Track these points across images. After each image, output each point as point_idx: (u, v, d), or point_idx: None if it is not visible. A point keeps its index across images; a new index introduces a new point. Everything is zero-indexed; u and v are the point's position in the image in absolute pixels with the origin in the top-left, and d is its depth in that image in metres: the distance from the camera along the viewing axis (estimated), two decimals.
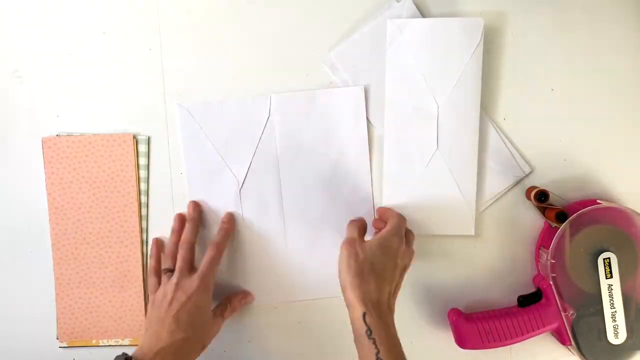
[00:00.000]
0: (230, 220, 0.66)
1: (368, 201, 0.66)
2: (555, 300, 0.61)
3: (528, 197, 0.65)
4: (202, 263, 0.62)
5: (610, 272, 0.60)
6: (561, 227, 0.60)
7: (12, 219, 0.67)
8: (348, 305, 0.55)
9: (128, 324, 0.67)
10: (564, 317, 0.61)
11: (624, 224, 0.60)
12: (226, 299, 0.65)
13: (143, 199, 0.67)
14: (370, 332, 0.52)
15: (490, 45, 0.65)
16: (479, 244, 0.67)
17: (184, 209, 0.66)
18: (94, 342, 0.68)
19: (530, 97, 0.65)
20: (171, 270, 0.62)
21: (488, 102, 0.65)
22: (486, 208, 0.66)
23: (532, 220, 0.66)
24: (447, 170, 0.64)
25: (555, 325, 0.62)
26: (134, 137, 0.66)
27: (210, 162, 0.66)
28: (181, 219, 0.65)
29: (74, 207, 0.66)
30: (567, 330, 0.61)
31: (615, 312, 0.60)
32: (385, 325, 0.53)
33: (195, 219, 0.65)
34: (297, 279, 0.67)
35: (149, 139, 0.66)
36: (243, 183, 0.66)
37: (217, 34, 0.66)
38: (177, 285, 0.60)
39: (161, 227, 0.67)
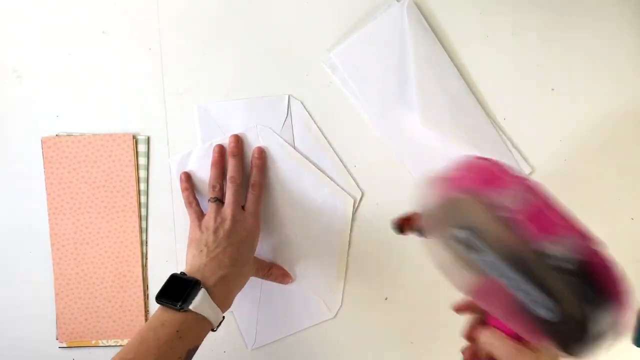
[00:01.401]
0: (262, 155, 0.65)
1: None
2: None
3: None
4: (249, 202, 0.62)
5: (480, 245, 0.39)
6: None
7: (12, 219, 0.67)
8: None
9: (128, 324, 0.67)
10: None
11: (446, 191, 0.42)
12: (269, 263, 0.65)
13: (143, 199, 0.66)
14: None
15: (491, 45, 0.65)
16: None
17: (183, 209, 0.66)
18: (93, 342, 0.68)
19: (530, 97, 0.65)
20: (220, 201, 0.62)
21: (488, 102, 0.65)
22: None
23: None
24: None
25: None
26: (134, 137, 0.66)
27: None
28: (221, 151, 0.65)
29: (74, 207, 0.66)
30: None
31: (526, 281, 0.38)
32: None
33: (240, 154, 0.64)
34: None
35: (148, 139, 0.66)
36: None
37: (217, 34, 0.66)
38: (234, 217, 0.60)
39: (161, 227, 0.67)
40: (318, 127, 0.66)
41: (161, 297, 0.54)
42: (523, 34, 0.65)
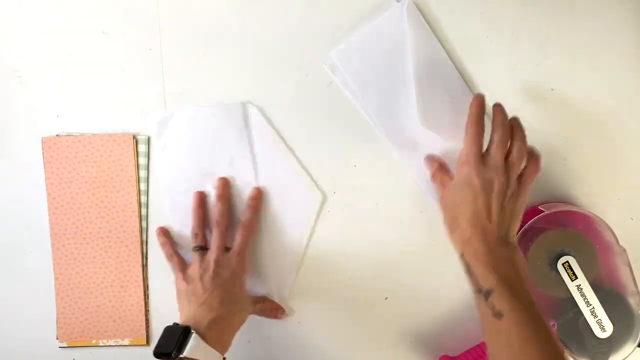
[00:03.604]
0: (258, 197, 0.65)
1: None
2: None
3: None
4: (236, 244, 0.62)
5: (574, 273, 0.59)
6: None
7: (12, 219, 0.67)
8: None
9: (128, 324, 0.67)
10: None
11: (570, 222, 0.60)
12: (263, 299, 0.65)
13: (143, 199, 0.67)
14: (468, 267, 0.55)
15: (491, 45, 0.65)
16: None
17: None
18: (93, 342, 0.68)
19: (530, 97, 0.65)
20: (204, 248, 0.62)
21: (488, 102, 0.65)
22: None
23: None
24: None
25: None
26: (134, 137, 0.66)
27: (188, 170, 0.66)
28: (200, 198, 0.64)
29: (74, 207, 0.66)
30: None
31: (593, 308, 0.59)
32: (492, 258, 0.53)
33: (226, 197, 0.64)
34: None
35: (148, 139, 0.66)
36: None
37: (217, 34, 0.66)
38: (217, 262, 0.60)
39: None
40: (276, 131, 0.65)
41: (157, 349, 0.54)
42: (523, 34, 0.65)
